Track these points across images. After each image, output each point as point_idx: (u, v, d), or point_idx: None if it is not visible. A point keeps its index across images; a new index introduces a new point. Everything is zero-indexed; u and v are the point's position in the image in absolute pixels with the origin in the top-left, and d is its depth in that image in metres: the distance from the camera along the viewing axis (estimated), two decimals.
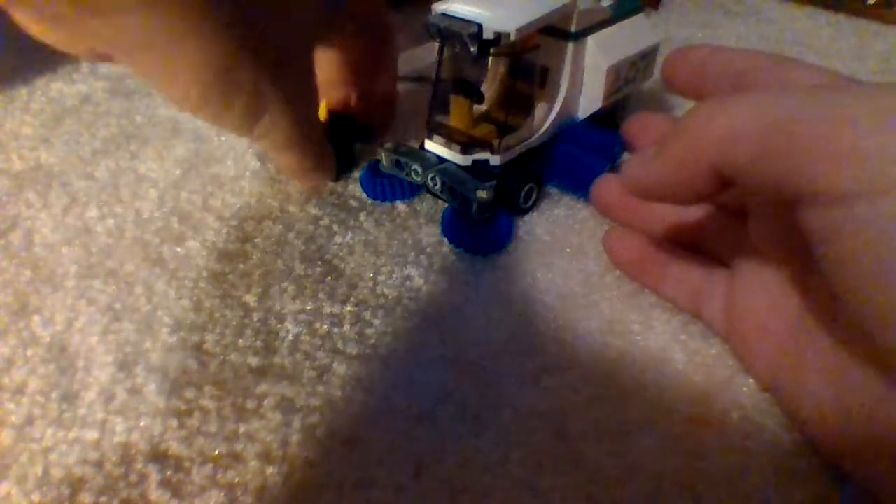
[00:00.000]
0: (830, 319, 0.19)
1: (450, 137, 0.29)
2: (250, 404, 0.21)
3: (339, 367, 0.23)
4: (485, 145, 0.28)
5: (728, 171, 0.17)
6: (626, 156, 0.31)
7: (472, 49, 0.25)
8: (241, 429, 0.21)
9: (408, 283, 0.26)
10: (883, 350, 0.16)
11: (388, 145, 0.30)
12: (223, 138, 0.36)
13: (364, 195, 0.31)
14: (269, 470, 0.20)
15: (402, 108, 0.35)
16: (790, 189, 0.16)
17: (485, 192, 0.27)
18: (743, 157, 0.17)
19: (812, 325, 0.20)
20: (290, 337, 0.24)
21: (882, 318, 0.15)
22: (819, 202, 0.16)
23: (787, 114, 0.16)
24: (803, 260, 0.19)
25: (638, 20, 0.32)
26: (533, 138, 0.30)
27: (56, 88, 0.41)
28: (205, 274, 0.27)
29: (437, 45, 0.28)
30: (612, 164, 0.30)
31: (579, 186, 0.30)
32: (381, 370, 0.23)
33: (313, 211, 0.30)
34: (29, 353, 0.23)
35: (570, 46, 0.29)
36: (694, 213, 0.25)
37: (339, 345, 0.24)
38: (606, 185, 0.27)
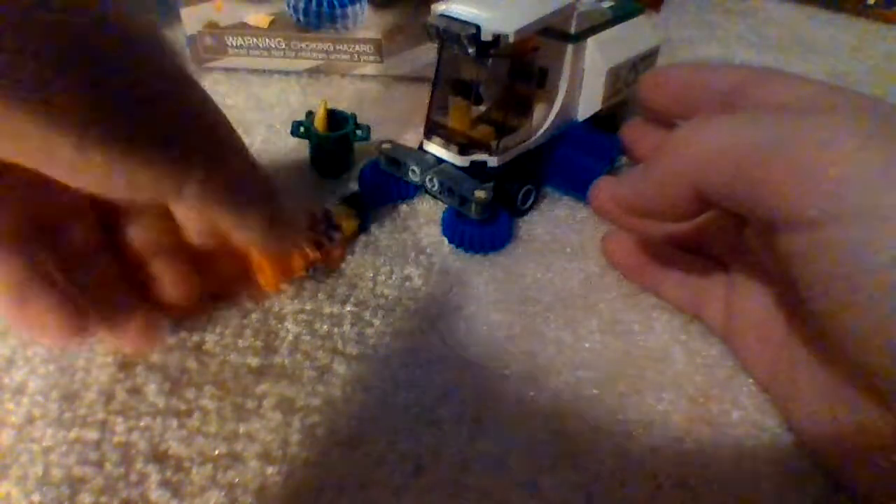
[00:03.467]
0: (819, 331, 0.19)
1: (448, 138, 0.29)
2: (250, 404, 0.21)
3: (339, 367, 0.23)
4: (483, 146, 0.28)
5: (707, 193, 0.18)
6: (624, 159, 0.31)
7: (470, 51, 0.25)
8: (241, 429, 0.21)
9: (408, 283, 0.26)
10: (856, 368, 0.16)
11: (387, 146, 0.30)
12: None
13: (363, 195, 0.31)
14: (269, 470, 0.20)
15: (402, 108, 0.35)
16: (762, 213, 0.16)
17: (482, 192, 0.27)
18: (718, 181, 0.17)
19: (804, 333, 0.20)
20: (290, 337, 0.24)
21: (852, 339, 0.15)
22: (789, 227, 0.16)
23: (760, 140, 0.16)
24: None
25: (638, 22, 0.32)
26: (531, 140, 0.30)
27: None
28: None
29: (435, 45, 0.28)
30: (611, 167, 0.30)
31: (578, 188, 0.30)
32: (381, 370, 0.23)
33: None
34: (29, 353, 0.23)
35: (570, 48, 0.29)
36: None
37: (339, 345, 0.24)
38: (604, 188, 0.27)
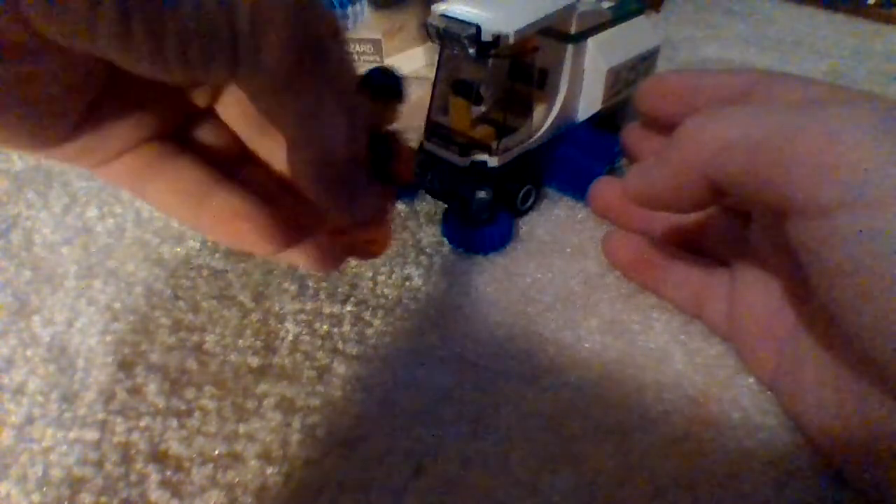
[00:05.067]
0: (828, 325, 0.19)
1: (449, 139, 0.29)
2: (250, 404, 0.21)
3: (339, 367, 0.23)
4: (483, 147, 0.28)
5: (720, 182, 0.18)
6: (624, 160, 0.31)
7: (470, 51, 0.25)
8: (241, 429, 0.21)
9: (408, 283, 0.26)
10: (866, 359, 0.16)
11: None
12: None
13: None
14: (269, 470, 0.20)
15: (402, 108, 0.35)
16: (777, 201, 0.16)
17: (482, 193, 0.27)
18: (733, 169, 0.17)
19: (811, 328, 0.20)
20: (290, 337, 0.24)
21: (863, 329, 0.15)
22: (803, 215, 0.16)
23: (775, 128, 0.16)
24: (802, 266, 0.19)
25: (638, 22, 0.32)
26: (531, 140, 0.30)
27: None
28: (204, 273, 0.27)
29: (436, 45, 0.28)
30: (611, 167, 0.30)
31: (577, 188, 0.30)
32: (381, 370, 0.23)
33: None
34: (29, 353, 0.23)
35: (570, 48, 0.29)
36: (694, 214, 0.25)
37: (339, 345, 0.24)
38: (604, 188, 0.27)
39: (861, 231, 0.14)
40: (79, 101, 0.15)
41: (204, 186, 0.18)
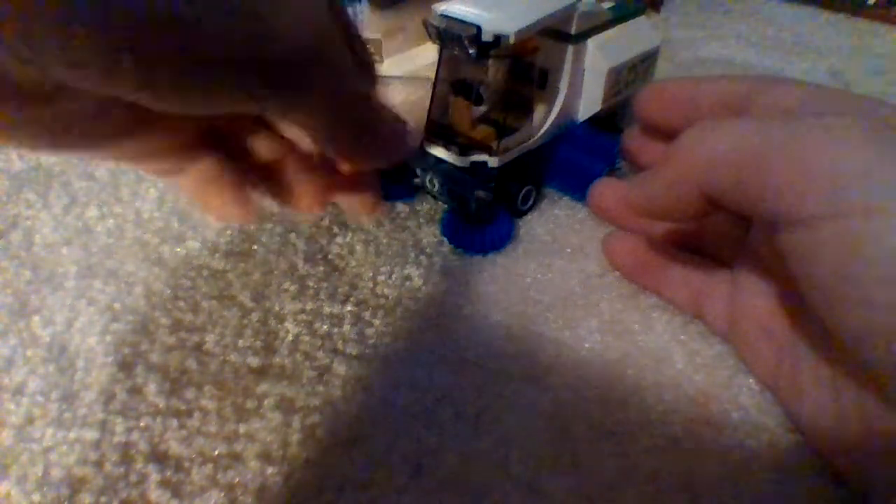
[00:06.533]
0: (821, 329, 0.19)
1: (449, 139, 0.29)
2: (250, 404, 0.21)
3: (339, 367, 0.23)
4: (484, 147, 0.28)
5: (713, 195, 0.18)
6: (624, 161, 0.31)
7: (471, 51, 0.25)
8: (241, 429, 0.21)
9: (408, 283, 0.26)
10: (857, 364, 0.16)
11: None
12: None
13: None
14: (269, 470, 0.20)
15: (402, 108, 0.35)
16: (764, 212, 0.17)
17: (482, 193, 0.27)
18: (723, 183, 0.18)
19: (810, 329, 0.20)
20: (290, 337, 0.24)
21: (851, 335, 0.15)
22: (790, 225, 0.16)
23: (762, 142, 0.17)
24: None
25: (638, 22, 0.32)
26: (532, 140, 0.30)
27: None
28: (205, 273, 0.27)
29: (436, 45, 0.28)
30: (611, 167, 0.30)
31: (577, 189, 0.30)
32: (381, 370, 0.23)
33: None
34: (29, 353, 0.23)
35: (570, 49, 0.29)
36: None
37: (339, 345, 0.24)
38: (604, 189, 0.27)
39: (845, 240, 0.15)
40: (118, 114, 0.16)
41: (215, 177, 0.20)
